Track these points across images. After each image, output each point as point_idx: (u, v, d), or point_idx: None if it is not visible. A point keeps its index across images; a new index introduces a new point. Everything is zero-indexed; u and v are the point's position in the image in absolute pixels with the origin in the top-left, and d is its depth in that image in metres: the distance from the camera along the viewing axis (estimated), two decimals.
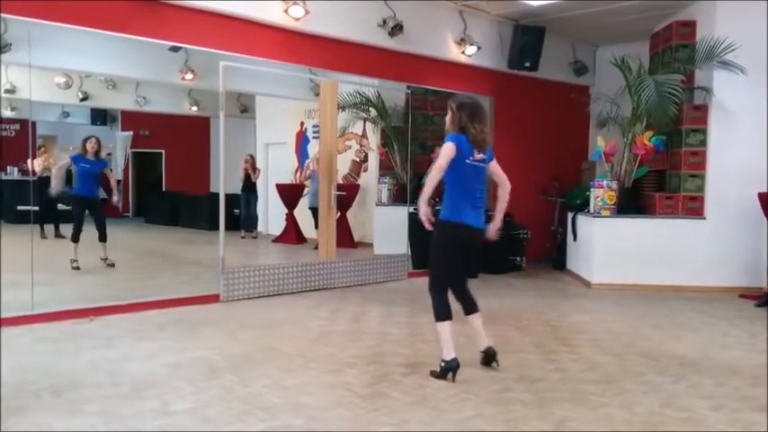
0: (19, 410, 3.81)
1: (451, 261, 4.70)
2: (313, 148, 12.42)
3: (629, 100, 8.80)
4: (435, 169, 4.46)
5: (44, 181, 10.25)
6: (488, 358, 4.82)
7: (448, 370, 4.53)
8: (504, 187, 4.78)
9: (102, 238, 8.76)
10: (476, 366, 4.83)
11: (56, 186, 9.12)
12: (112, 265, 8.77)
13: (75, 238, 8.56)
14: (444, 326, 4.57)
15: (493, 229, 4.76)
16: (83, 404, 3.94)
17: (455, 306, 4.73)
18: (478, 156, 4.55)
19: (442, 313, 4.59)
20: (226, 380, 4.47)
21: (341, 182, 11.02)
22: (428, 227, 4.53)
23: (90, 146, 8.77)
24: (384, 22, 8.16)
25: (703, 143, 8.48)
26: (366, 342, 5.58)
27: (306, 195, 11.99)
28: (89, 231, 8.60)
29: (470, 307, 4.80)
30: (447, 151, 4.43)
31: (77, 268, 8.49)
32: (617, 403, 4.15)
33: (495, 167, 4.75)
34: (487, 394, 4.27)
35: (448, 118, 4.66)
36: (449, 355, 4.53)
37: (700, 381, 4.67)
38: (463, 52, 9.12)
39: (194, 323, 6.14)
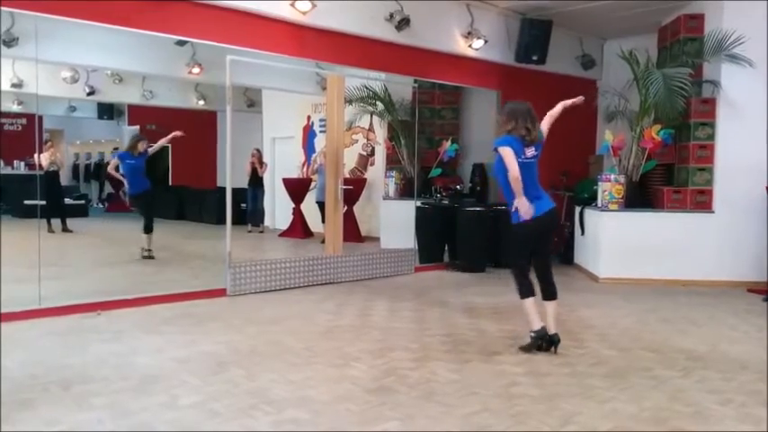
0: (28, 404, 3.83)
1: (526, 253, 5.21)
2: (320, 143, 12.44)
3: (636, 93, 8.77)
4: (513, 179, 4.83)
5: (51, 175, 10.30)
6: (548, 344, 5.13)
7: (538, 339, 5.01)
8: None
9: (148, 229, 9.07)
10: (480, 362, 4.82)
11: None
12: (152, 257, 9.04)
13: (147, 229, 8.95)
14: (528, 302, 5.04)
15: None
16: (91, 398, 3.96)
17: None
18: (530, 152, 4.98)
19: (524, 292, 5.08)
20: (233, 374, 4.48)
21: (348, 176, 11.03)
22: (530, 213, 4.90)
23: (142, 146, 9.10)
24: (391, 15, 8.13)
25: (711, 137, 8.44)
26: (372, 336, 5.58)
27: (312, 189, 12.01)
28: (88, 224, 8.63)
29: (549, 294, 5.20)
30: (509, 155, 4.85)
31: (147, 257, 8.88)
32: (624, 398, 4.14)
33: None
34: (494, 389, 4.26)
35: (500, 121, 5.10)
36: (537, 326, 5.02)
37: (707, 375, 4.66)
38: (470, 46, 9.09)
39: (201, 317, 6.16)
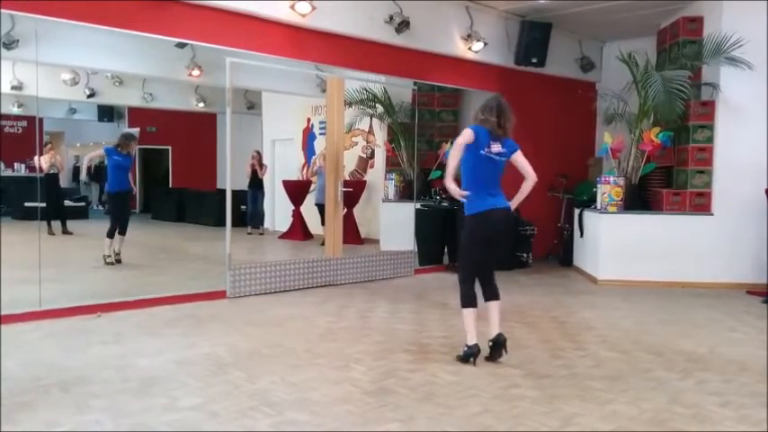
0: (27, 406, 3.83)
1: (478, 252, 4.91)
2: (320, 145, 12.44)
3: (635, 96, 8.78)
4: (454, 148, 4.70)
5: (51, 177, 10.31)
6: (496, 347, 4.88)
7: (470, 355, 4.79)
8: (529, 179, 4.85)
9: (122, 231, 8.83)
10: (483, 363, 4.83)
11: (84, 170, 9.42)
12: (119, 261, 8.82)
13: (112, 234, 8.64)
14: (469, 312, 4.82)
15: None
16: (91, 400, 3.96)
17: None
18: (496, 148, 4.72)
19: (467, 301, 4.84)
20: (233, 376, 4.48)
21: (347, 178, 11.03)
22: (463, 197, 4.75)
23: (132, 147, 8.95)
24: (391, 18, 8.14)
25: (710, 139, 8.45)
26: (373, 338, 5.59)
27: (312, 192, 12.02)
28: (88, 226, 8.60)
29: (491, 295, 4.99)
30: (464, 134, 4.65)
31: (112, 263, 8.59)
32: (624, 399, 4.14)
33: (519, 158, 4.86)
34: (494, 390, 4.27)
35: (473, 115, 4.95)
36: (471, 341, 4.80)
37: (707, 377, 4.67)
38: (470, 48, 9.10)
39: (201, 319, 6.16)
